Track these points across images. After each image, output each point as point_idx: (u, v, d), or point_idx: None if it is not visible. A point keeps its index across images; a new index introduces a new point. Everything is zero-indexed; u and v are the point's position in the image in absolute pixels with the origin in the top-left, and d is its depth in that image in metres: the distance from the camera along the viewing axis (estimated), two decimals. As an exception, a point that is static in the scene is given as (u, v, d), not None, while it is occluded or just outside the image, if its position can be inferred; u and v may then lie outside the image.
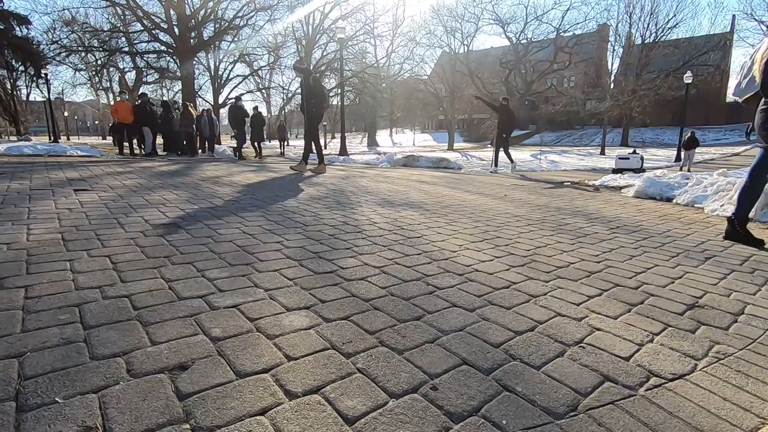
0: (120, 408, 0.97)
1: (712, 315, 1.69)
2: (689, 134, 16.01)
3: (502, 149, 11.14)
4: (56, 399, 0.98)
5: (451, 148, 35.18)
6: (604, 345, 1.40)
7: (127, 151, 12.43)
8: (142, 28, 21.62)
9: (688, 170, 13.58)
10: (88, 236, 2.38)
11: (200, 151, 14.33)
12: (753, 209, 4.02)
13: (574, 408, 1.07)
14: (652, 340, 1.45)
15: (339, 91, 21.94)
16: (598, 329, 1.52)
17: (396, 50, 36.82)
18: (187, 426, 0.93)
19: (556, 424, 1.01)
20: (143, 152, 12.45)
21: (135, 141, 12.80)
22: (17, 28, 21.61)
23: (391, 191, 5.24)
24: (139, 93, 14.67)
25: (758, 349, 1.43)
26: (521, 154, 24.77)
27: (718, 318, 1.67)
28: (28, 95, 35.75)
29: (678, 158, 20.90)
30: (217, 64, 29.09)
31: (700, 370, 1.28)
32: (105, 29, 22.79)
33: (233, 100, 15.12)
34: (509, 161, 11.14)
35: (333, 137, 40.01)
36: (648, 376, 1.23)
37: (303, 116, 7.50)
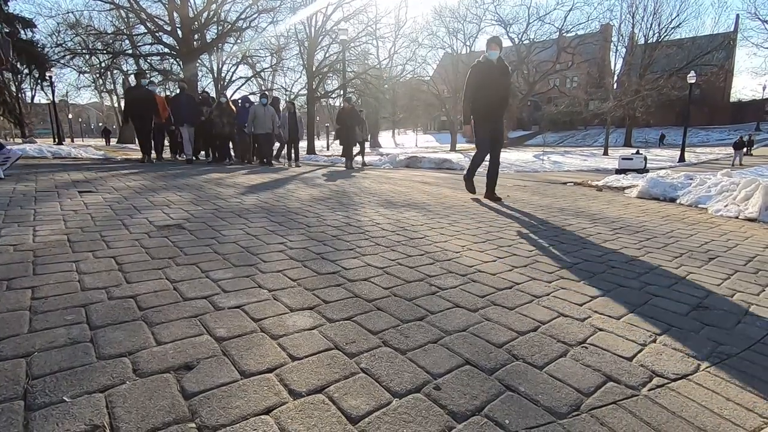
0: (127, 407, 0.98)
1: (715, 315, 1.69)
2: (738, 137, 20.97)
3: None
4: (64, 398, 1.00)
5: (453, 149, 35.16)
6: (607, 345, 1.40)
7: (160, 155, 9.74)
8: (146, 31, 21.71)
9: (740, 164, 18.29)
10: (93, 237, 2.40)
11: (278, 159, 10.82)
12: (758, 210, 4.01)
13: (576, 408, 1.07)
14: (655, 341, 1.45)
15: (341, 92, 21.99)
16: (601, 329, 1.52)
17: (398, 51, 36.76)
18: (193, 425, 0.94)
19: (559, 423, 1.01)
20: (184, 157, 9.65)
21: (155, 143, 9.53)
22: (22, 32, 21.83)
23: (393, 192, 5.24)
24: (178, 80, 10.91)
25: (761, 349, 1.42)
26: (524, 155, 24.75)
27: (721, 318, 1.66)
28: (32, 98, 36.01)
29: (681, 159, 20.89)
30: (220, 66, 29.19)
31: (703, 370, 1.28)
32: (109, 32, 22.91)
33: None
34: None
35: (336, 138, 39.93)
36: (651, 376, 1.23)
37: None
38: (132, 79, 29.92)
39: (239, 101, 10.68)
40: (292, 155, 11.03)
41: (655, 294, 1.91)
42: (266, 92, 11.05)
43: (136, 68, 27.38)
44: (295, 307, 1.58)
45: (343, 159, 10.98)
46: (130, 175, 5.69)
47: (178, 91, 9.90)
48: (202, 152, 10.77)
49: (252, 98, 11.86)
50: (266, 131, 9.39)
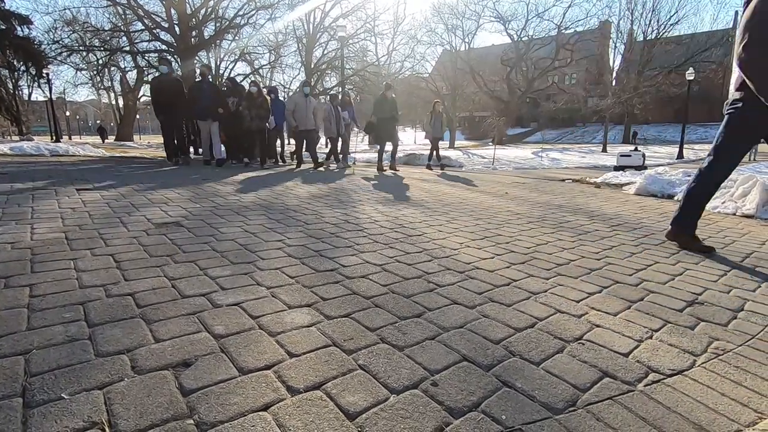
0: (125, 404, 0.98)
1: (711, 311, 1.70)
2: None
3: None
4: (62, 395, 1.00)
5: (452, 146, 35.10)
6: (604, 341, 1.41)
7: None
8: (143, 28, 21.63)
9: (754, 160, 17.68)
10: (91, 235, 2.40)
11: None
12: (755, 207, 4.02)
13: (573, 403, 1.08)
14: (651, 337, 1.46)
15: (340, 89, 21.96)
16: (598, 326, 1.53)
17: (397, 48, 36.82)
18: (191, 421, 0.94)
19: (555, 419, 1.02)
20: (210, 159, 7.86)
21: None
22: (19, 28, 21.66)
23: (392, 189, 5.24)
24: (199, 66, 8.67)
25: (757, 345, 1.43)
26: (522, 152, 24.73)
27: (717, 314, 1.67)
28: (30, 95, 35.75)
29: (680, 155, 20.90)
30: (218, 63, 29.07)
31: (698, 365, 1.29)
32: (106, 29, 22.79)
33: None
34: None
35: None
36: (647, 371, 1.24)
37: None
38: (130, 76, 29.73)
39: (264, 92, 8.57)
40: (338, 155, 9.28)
41: (652, 290, 1.91)
42: (308, 81, 9.10)
43: (133, 65, 27.28)
44: (293, 305, 1.59)
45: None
46: (128, 173, 5.68)
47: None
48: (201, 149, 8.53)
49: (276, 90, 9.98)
50: (311, 127, 7.83)
